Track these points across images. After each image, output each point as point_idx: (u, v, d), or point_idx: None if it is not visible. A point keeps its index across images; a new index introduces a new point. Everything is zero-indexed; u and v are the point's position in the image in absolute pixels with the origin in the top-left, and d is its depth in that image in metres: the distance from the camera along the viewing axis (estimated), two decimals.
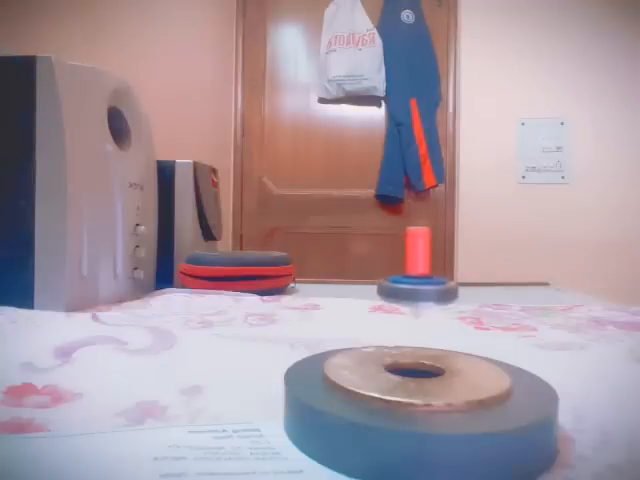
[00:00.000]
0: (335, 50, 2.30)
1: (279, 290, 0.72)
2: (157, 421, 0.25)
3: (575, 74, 2.25)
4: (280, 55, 2.43)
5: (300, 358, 0.28)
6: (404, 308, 0.56)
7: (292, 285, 0.79)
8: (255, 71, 2.42)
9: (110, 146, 0.59)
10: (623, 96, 2.24)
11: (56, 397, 0.28)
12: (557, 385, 0.24)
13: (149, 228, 0.67)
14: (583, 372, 0.33)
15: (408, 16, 2.33)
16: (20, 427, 0.24)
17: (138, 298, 0.63)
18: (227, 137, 2.41)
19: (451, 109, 2.36)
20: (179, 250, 0.79)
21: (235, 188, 2.42)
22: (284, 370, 0.25)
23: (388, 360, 0.26)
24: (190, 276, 0.69)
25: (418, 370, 0.25)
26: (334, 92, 2.32)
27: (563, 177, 2.27)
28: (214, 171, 0.94)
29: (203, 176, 0.85)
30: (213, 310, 0.54)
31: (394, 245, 2.26)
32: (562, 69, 2.26)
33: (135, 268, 0.64)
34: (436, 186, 2.30)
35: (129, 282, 0.63)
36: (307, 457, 0.21)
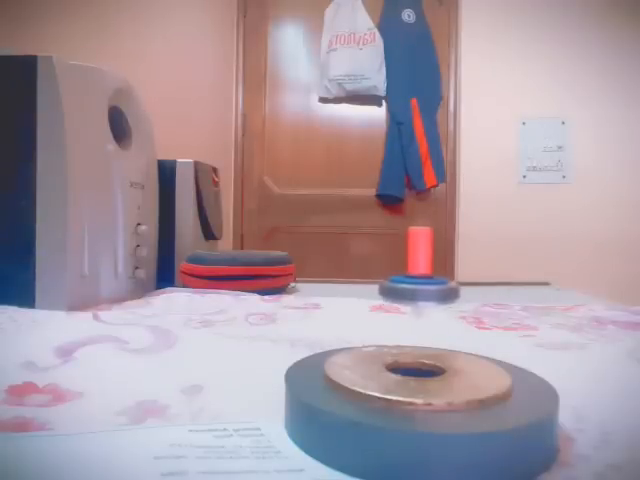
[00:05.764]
0: (336, 49, 2.30)
1: (280, 289, 0.72)
2: (158, 420, 0.25)
3: (576, 73, 2.25)
4: (281, 55, 2.43)
5: (301, 357, 0.28)
6: (405, 308, 0.56)
7: (293, 284, 0.79)
8: (256, 71, 2.42)
9: (111, 145, 0.59)
10: (624, 95, 2.23)
11: (57, 396, 0.28)
12: (557, 384, 0.24)
13: (150, 227, 0.67)
14: (583, 371, 0.33)
15: (409, 15, 2.33)
16: (21, 426, 0.24)
17: (139, 297, 0.63)
18: (228, 136, 2.41)
19: (452, 108, 2.36)
20: (180, 249, 0.79)
21: (236, 187, 2.42)
22: (285, 369, 0.25)
23: (389, 359, 0.26)
24: (191, 275, 0.69)
25: (419, 369, 0.25)
26: (335, 91, 2.31)
27: (564, 177, 2.26)
28: (215, 170, 0.94)
29: (204, 175, 0.85)
30: (214, 309, 0.54)
31: (395, 245, 2.25)
32: (563, 68, 2.25)
33: (136, 267, 0.64)
34: (437, 185, 2.30)
35: (130, 281, 0.63)
36: (308, 456, 0.21)
